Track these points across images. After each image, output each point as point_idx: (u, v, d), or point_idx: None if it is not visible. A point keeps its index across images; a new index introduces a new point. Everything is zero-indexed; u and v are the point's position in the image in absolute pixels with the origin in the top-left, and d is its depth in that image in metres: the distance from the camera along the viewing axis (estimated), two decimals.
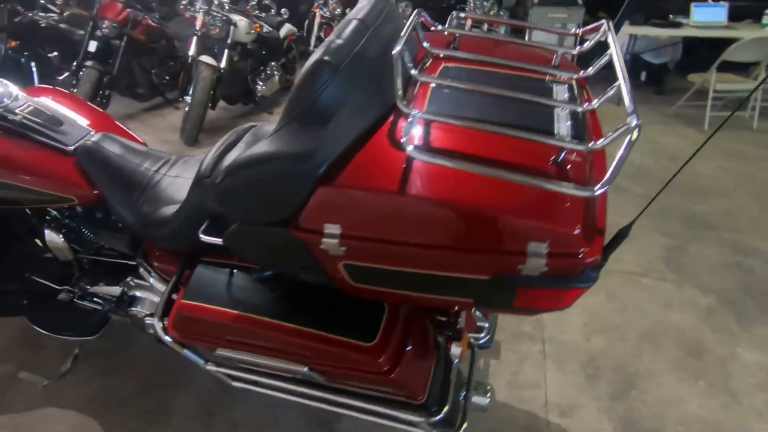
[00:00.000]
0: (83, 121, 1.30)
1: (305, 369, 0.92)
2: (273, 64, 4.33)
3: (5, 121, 1.16)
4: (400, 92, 0.71)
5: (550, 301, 0.75)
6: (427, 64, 0.96)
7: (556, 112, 0.81)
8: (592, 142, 0.66)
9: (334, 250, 0.72)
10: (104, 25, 3.57)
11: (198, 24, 3.47)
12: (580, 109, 0.78)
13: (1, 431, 1.37)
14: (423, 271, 0.74)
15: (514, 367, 1.58)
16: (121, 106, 4.11)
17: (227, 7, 3.63)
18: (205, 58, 3.35)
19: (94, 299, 1.47)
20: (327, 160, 0.71)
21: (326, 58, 0.70)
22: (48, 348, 1.62)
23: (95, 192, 1.20)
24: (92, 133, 1.25)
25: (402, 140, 0.67)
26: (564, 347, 1.67)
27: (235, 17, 3.64)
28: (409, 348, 0.94)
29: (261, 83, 4.08)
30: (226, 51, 3.51)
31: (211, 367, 1.10)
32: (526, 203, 0.67)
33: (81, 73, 3.51)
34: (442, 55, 0.96)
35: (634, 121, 0.58)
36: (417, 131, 0.76)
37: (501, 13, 5.01)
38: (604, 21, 0.93)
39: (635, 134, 0.58)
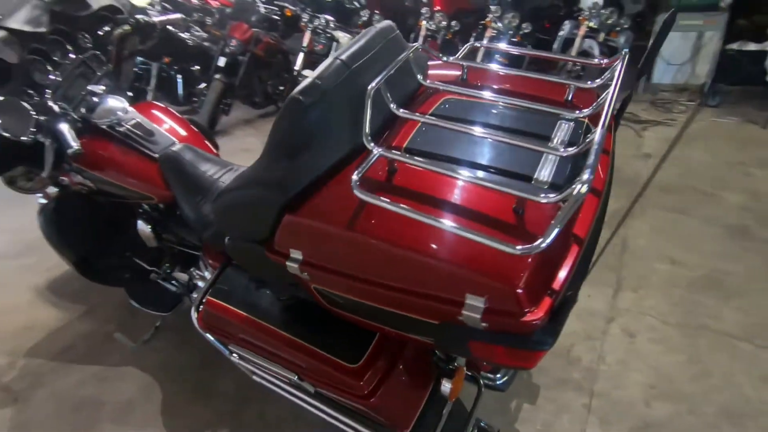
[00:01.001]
0: (171, 133, 1.55)
1: (295, 377, 0.98)
2: None
3: (114, 130, 1.44)
4: (366, 129, 0.73)
5: (508, 358, 0.69)
6: (429, 97, 0.95)
7: (545, 155, 0.75)
8: (545, 194, 0.60)
9: (299, 274, 0.77)
10: (232, 44, 4.14)
11: (305, 41, 3.83)
12: (562, 152, 0.69)
13: (84, 375, 1.70)
14: (378, 305, 0.74)
15: (548, 417, 1.44)
16: (241, 113, 4.71)
17: (333, 25, 3.93)
18: (307, 72, 3.68)
19: (172, 282, 1.74)
20: (292, 190, 0.76)
21: (300, 96, 0.75)
22: (141, 317, 1.94)
23: (170, 193, 1.42)
24: (175, 143, 1.49)
25: (356, 177, 0.69)
26: (616, 407, 1.47)
27: (339, 34, 3.93)
28: (396, 376, 0.94)
29: None
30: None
31: (234, 359, 1.23)
32: (471, 254, 0.63)
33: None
34: (441, 89, 0.94)
35: (585, 175, 0.53)
36: (379, 169, 0.76)
37: (622, 21, 4.54)
38: (620, 56, 0.83)
39: (584, 188, 0.54)
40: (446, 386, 0.94)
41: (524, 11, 4.84)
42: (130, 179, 1.41)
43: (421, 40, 5.52)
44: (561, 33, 4.92)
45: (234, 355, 1.24)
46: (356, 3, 6.20)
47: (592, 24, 4.62)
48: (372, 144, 0.73)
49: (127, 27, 1.59)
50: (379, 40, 0.92)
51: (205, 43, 4.71)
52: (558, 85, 0.93)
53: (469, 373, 1.11)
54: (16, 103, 1.22)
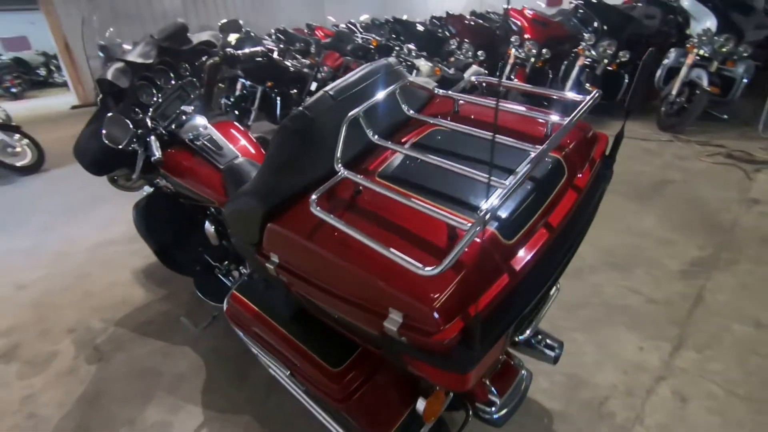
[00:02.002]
0: (237, 149, 1.80)
1: (288, 372, 1.08)
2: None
3: (193, 143, 1.72)
4: (338, 153, 0.82)
5: (437, 377, 0.71)
6: (418, 127, 1.00)
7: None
8: (459, 223, 0.62)
9: (275, 276, 0.87)
10: (324, 70, 4.55)
11: None
12: (493, 182, 0.70)
13: (153, 348, 1.99)
14: (335, 311, 0.81)
15: None
16: None
17: (414, 54, 4.12)
18: None
19: (230, 277, 1.98)
20: (272, 202, 0.87)
21: (289, 123, 0.87)
22: (206, 306, 2.21)
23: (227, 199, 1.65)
24: (238, 157, 1.72)
25: (314, 196, 0.78)
26: None
27: (420, 62, 4.09)
28: (374, 386, 0.99)
29: None
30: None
31: (254, 350, 1.37)
32: (394, 271, 0.68)
33: None
34: (425, 121, 0.98)
35: (482, 212, 0.56)
36: (346, 190, 0.84)
37: (740, 49, 4.03)
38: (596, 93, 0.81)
39: (473, 230, 0.57)
40: (420, 404, 0.96)
41: (622, 38, 4.56)
42: (200, 185, 1.67)
43: (508, 68, 5.50)
44: (665, 62, 4.54)
45: (253, 346, 1.39)
46: (447, 32, 6.39)
47: (702, 52, 4.19)
48: (340, 166, 0.82)
49: (216, 59, 1.90)
50: (372, 76, 1.02)
51: (305, 70, 5.22)
52: (543, 119, 0.93)
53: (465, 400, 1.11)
54: (119, 119, 1.54)
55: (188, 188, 1.73)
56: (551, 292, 1.18)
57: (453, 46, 5.91)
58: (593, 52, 4.63)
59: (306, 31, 8.64)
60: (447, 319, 0.64)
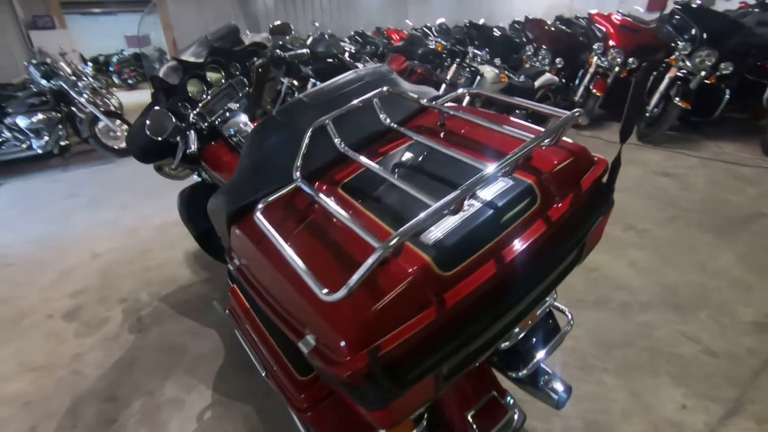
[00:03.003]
0: None
1: (264, 373, 1.09)
2: (517, 112, 4.41)
3: (231, 139, 1.81)
4: (297, 162, 0.79)
5: (360, 410, 0.65)
6: (398, 139, 0.94)
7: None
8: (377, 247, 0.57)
9: (237, 276, 0.87)
10: None
11: (449, 74, 3.97)
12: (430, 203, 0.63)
13: (186, 326, 2.13)
14: (277, 324, 0.78)
15: None
16: None
17: (479, 60, 3.98)
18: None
19: None
20: (236, 204, 0.86)
21: (258, 126, 0.86)
22: None
23: None
24: None
25: (261, 204, 0.76)
26: None
27: (486, 68, 3.95)
28: (339, 403, 0.96)
29: None
30: (466, 98, 3.87)
31: (243, 345, 1.40)
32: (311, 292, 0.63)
33: None
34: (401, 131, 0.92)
35: (381, 250, 0.51)
36: (298, 199, 0.81)
37: None
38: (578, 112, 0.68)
39: (376, 256, 0.53)
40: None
41: (724, 48, 4.01)
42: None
43: (587, 77, 5.12)
44: None
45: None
46: (525, 38, 6.10)
47: None
48: (297, 174, 0.80)
49: (264, 60, 1.98)
50: (354, 82, 0.97)
51: None
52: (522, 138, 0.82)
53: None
54: (163, 113, 1.67)
55: (222, 181, 1.82)
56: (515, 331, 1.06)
57: (529, 53, 5.63)
58: (688, 63, 4.13)
59: (379, 34, 8.78)
60: (355, 350, 0.59)
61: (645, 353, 1.79)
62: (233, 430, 1.56)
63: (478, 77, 3.88)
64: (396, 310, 0.60)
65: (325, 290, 0.57)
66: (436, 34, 6.86)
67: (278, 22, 2.35)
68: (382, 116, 0.96)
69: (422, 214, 0.58)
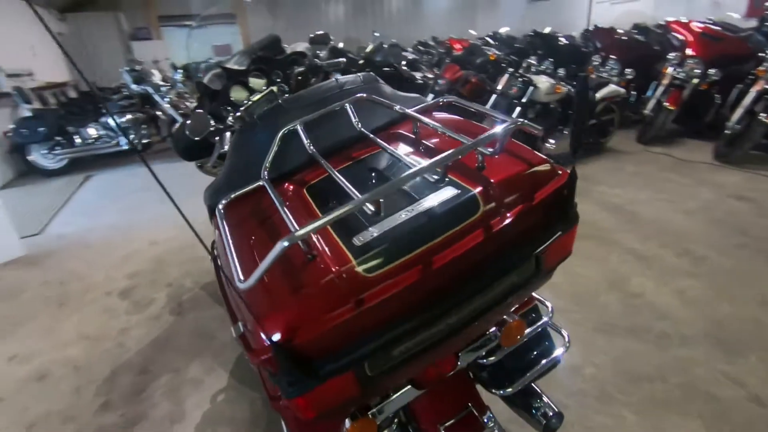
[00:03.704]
0: None
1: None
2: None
3: None
4: (266, 163, 0.84)
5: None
6: (370, 145, 0.94)
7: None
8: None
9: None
10: (441, 82, 4.58)
11: (501, 84, 3.88)
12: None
13: (218, 313, 2.28)
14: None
15: None
16: None
17: (534, 69, 3.85)
18: None
19: None
20: (217, 199, 0.92)
21: (239, 127, 0.92)
22: None
23: None
24: None
25: (224, 201, 0.82)
26: None
27: (540, 78, 3.81)
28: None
29: (552, 141, 4.06)
30: (517, 108, 3.76)
31: None
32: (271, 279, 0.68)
33: None
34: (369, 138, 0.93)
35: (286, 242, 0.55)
36: (261, 198, 0.85)
37: None
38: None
39: (280, 247, 0.56)
40: (346, 425, 0.93)
41: None
42: None
43: (661, 89, 4.74)
44: None
45: None
46: (594, 47, 5.79)
47: None
48: (265, 173, 0.85)
49: (303, 68, 2.09)
50: (335, 89, 1.00)
51: (428, 81, 5.32)
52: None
53: None
54: (202, 115, 1.83)
55: None
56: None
57: (596, 62, 5.33)
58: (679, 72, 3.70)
59: (440, 42, 8.77)
60: (267, 338, 0.62)
61: (677, 391, 1.62)
62: (240, 414, 1.66)
63: (531, 87, 3.75)
64: (313, 304, 0.63)
65: (242, 279, 0.62)
66: (498, 44, 6.73)
67: (320, 32, 2.47)
68: (355, 123, 0.99)
69: (334, 213, 0.60)
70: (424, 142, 0.92)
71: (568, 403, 1.60)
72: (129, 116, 5.48)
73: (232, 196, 0.88)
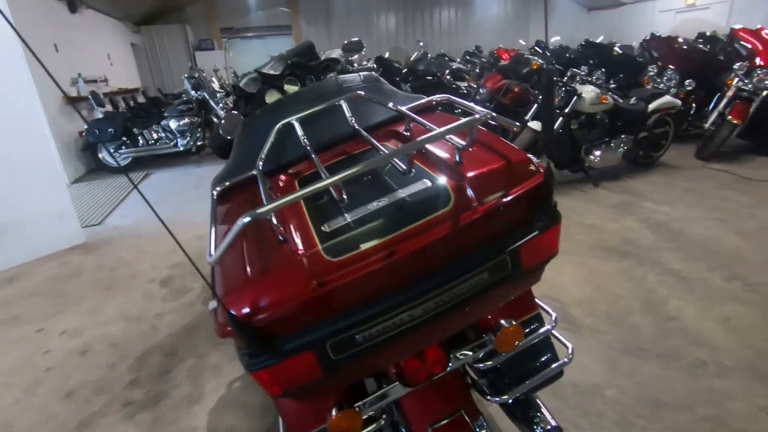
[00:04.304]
0: None
1: None
2: (623, 137, 3.99)
3: None
4: (261, 154, 0.88)
5: None
6: (361, 142, 0.97)
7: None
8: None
9: None
10: (482, 92, 4.53)
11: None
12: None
13: None
14: None
15: None
16: None
17: (579, 78, 3.72)
18: (533, 123, 3.63)
19: None
20: (221, 185, 0.98)
21: (245, 120, 0.97)
22: None
23: None
24: None
25: (219, 187, 0.87)
26: None
27: (586, 87, 3.68)
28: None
29: (597, 153, 3.89)
30: (560, 118, 3.65)
31: None
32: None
33: None
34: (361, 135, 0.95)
35: (246, 218, 0.60)
36: (253, 186, 0.89)
37: None
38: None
39: (239, 225, 0.61)
40: (332, 415, 0.95)
41: None
42: None
43: (724, 102, 4.41)
44: None
45: None
46: (651, 57, 5.50)
47: None
48: (259, 164, 0.89)
49: (334, 74, 2.17)
50: (336, 86, 1.03)
51: (471, 91, 5.29)
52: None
53: None
54: (235, 116, 1.94)
55: None
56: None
57: (651, 73, 5.05)
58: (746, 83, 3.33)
59: (490, 53, 8.65)
60: (241, 315, 0.66)
61: (705, 423, 1.49)
62: (252, 400, 1.72)
63: (575, 97, 3.62)
64: (275, 283, 0.66)
65: (211, 254, 0.66)
66: (548, 54, 6.56)
67: (354, 39, 2.54)
68: (349, 119, 1.01)
69: (295, 194, 0.64)
70: (432, 150, 0.94)
71: (582, 423, 1.52)
72: (186, 120, 5.89)
73: (227, 183, 0.94)
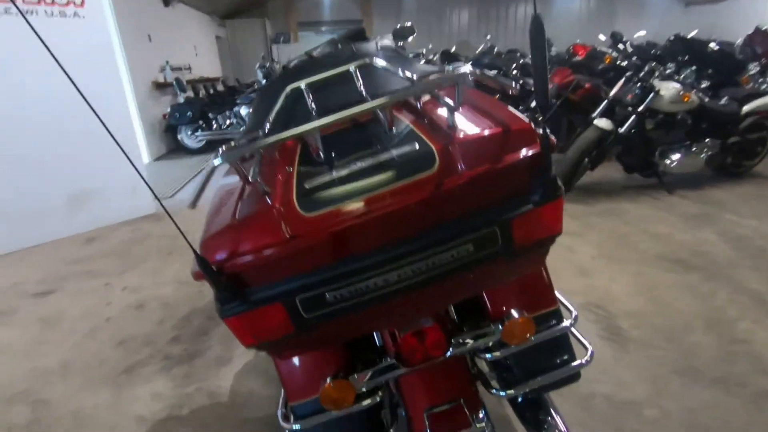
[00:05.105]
0: None
1: None
2: (708, 141, 3.57)
3: None
4: (270, 118, 0.88)
5: None
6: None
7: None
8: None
9: None
10: (548, 87, 4.28)
11: (614, 89, 3.49)
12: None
13: None
14: None
15: None
16: None
17: (658, 74, 3.38)
18: (599, 121, 3.36)
19: None
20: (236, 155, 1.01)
21: (262, 87, 0.98)
22: None
23: None
24: None
25: (224, 146, 0.90)
26: None
27: (665, 84, 3.34)
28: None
29: (674, 158, 3.52)
30: (633, 117, 3.34)
31: None
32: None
33: None
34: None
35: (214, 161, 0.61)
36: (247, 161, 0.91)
37: None
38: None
39: (211, 164, 0.65)
40: (322, 384, 0.95)
41: None
42: None
43: None
44: None
45: None
46: (753, 53, 4.87)
47: None
48: (265, 128, 0.90)
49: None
50: (348, 53, 1.01)
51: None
52: None
53: None
54: None
55: None
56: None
57: (752, 71, 4.47)
58: None
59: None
60: (214, 261, 0.67)
61: None
62: (272, 370, 1.77)
63: (651, 94, 3.29)
64: (247, 234, 0.67)
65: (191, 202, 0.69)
66: (631, 49, 6.04)
67: (408, 24, 2.49)
68: (359, 87, 0.98)
69: (267, 140, 0.65)
70: (427, 112, 0.89)
71: None
72: None
73: (232, 143, 0.97)
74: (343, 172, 0.70)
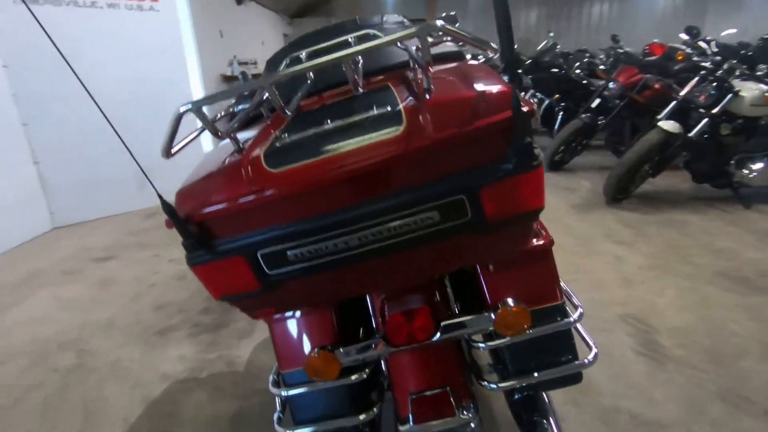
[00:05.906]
0: None
1: None
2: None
3: None
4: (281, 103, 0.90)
5: None
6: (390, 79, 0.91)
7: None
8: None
9: None
10: (612, 87, 3.99)
11: (686, 89, 3.17)
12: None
13: None
14: None
15: None
16: (597, 157, 4.49)
17: (738, 72, 3.02)
18: (665, 123, 3.08)
19: None
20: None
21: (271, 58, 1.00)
22: None
23: None
24: None
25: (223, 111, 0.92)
26: None
27: (745, 84, 2.99)
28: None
29: (755, 168, 3.14)
30: (705, 120, 3.02)
31: None
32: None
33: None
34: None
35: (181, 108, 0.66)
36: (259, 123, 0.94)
37: None
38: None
39: (177, 111, 0.67)
40: (309, 354, 0.95)
41: None
42: None
43: None
44: None
45: None
46: None
47: None
48: (265, 95, 0.91)
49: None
50: (352, 25, 0.99)
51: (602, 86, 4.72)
52: None
53: None
54: None
55: None
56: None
57: None
58: None
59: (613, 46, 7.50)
60: (182, 211, 0.70)
61: None
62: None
63: (730, 95, 2.96)
64: (215, 186, 0.69)
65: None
66: (716, 49, 5.47)
67: (452, 13, 2.43)
68: (359, 60, 0.97)
69: (218, 92, 0.69)
70: (410, 78, 0.87)
71: None
72: None
73: (231, 110, 1.00)
74: (317, 131, 0.70)
